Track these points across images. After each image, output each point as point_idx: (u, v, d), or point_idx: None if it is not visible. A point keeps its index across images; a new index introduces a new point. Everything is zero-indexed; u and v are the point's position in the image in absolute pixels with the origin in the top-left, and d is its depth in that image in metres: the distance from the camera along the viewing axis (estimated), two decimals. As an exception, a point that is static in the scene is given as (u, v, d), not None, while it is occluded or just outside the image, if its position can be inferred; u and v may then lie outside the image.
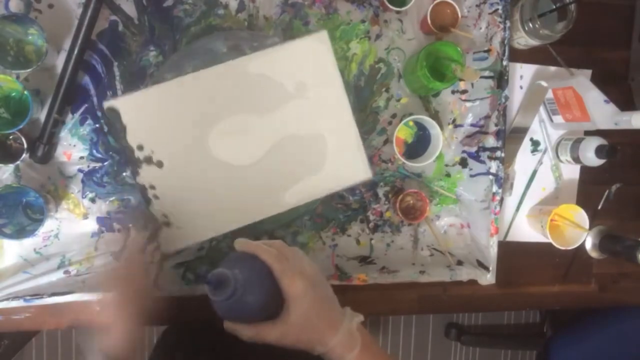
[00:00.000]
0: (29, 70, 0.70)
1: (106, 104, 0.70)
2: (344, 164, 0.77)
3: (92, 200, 0.77)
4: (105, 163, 0.77)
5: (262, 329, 0.55)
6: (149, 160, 0.72)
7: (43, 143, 0.73)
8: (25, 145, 0.71)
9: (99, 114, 0.76)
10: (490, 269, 0.82)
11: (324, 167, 0.76)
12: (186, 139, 0.73)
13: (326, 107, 0.76)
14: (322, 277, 0.58)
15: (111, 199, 0.77)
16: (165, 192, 0.73)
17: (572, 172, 0.91)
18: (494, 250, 0.82)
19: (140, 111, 0.71)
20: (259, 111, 0.74)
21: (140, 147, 0.72)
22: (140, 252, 0.67)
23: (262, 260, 0.55)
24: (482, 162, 0.83)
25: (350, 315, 0.57)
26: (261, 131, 0.75)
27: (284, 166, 0.75)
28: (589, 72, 0.91)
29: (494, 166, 0.82)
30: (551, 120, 0.90)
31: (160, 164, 0.72)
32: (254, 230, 0.77)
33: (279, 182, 0.76)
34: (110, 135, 0.76)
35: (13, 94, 0.73)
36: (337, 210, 0.83)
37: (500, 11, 0.81)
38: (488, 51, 0.82)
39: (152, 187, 0.73)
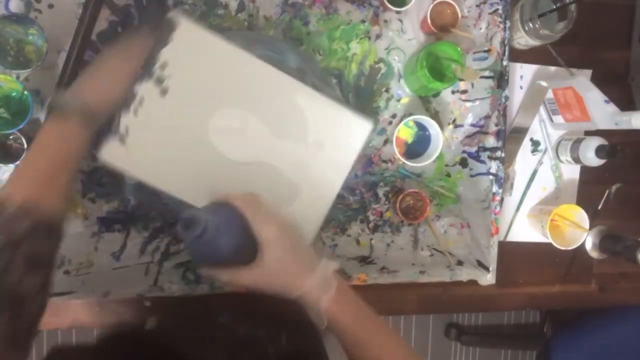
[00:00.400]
0: (29, 70, 0.70)
1: (172, 13, 0.69)
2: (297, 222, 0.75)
3: (92, 200, 0.77)
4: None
5: (237, 273, 0.57)
6: (159, 81, 0.70)
7: (43, 143, 0.72)
8: (25, 145, 0.71)
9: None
10: (490, 269, 0.82)
11: (289, 207, 0.75)
12: (199, 98, 0.72)
13: (322, 175, 0.75)
14: (295, 226, 0.60)
15: (111, 199, 0.77)
16: (147, 117, 0.71)
17: (572, 172, 0.91)
18: (494, 250, 0.82)
19: (190, 43, 0.70)
20: (270, 130, 0.73)
21: (163, 66, 0.70)
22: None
23: (234, 207, 0.57)
24: (482, 162, 0.83)
25: (325, 261, 0.59)
26: (258, 144, 0.74)
27: (251, 184, 0.74)
28: (589, 72, 0.90)
29: (494, 166, 0.82)
30: (551, 120, 0.90)
31: (164, 92, 0.70)
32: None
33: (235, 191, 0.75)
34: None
35: (13, 94, 0.73)
36: (337, 210, 0.83)
37: (500, 11, 0.81)
38: (488, 51, 0.82)
39: (140, 103, 0.70)
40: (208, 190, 0.72)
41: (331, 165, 0.76)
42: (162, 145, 0.72)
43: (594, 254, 0.92)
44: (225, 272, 0.57)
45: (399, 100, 0.83)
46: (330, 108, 0.74)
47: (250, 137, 0.74)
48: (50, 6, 0.74)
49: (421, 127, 0.84)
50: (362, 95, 0.82)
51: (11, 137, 0.74)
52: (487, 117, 0.83)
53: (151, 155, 0.71)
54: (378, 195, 0.84)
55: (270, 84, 0.73)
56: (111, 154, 0.70)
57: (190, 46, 0.70)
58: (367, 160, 0.83)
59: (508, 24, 0.81)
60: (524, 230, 0.90)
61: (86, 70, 0.64)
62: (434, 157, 0.79)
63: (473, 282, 0.83)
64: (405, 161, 0.80)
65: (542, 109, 0.90)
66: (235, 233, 0.56)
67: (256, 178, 0.74)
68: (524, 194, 0.90)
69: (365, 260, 0.83)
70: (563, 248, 0.86)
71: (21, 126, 0.68)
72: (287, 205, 0.75)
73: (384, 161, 0.84)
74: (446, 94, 0.84)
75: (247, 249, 0.57)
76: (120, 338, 0.54)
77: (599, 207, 0.93)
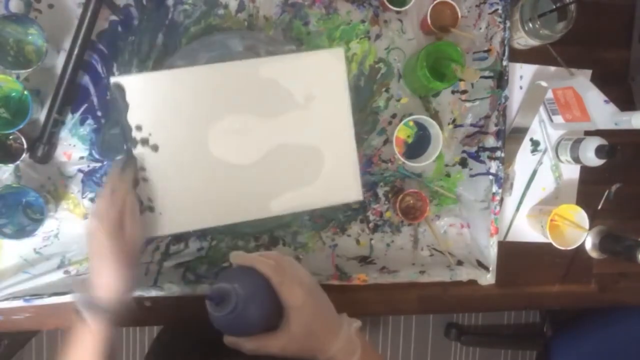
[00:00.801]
0: (29, 70, 0.70)
1: (113, 79, 0.70)
2: (337, 181, 0.77)
3: (92, 200, 0.77)
4: (104, 163, 0.77)
5: (264, 341, 0.55)
6: (145, 141, 0.72)
7: (43, 143, 0.73)
8: (25, 145, 0.71)
9: (99, 113, 0.76)
10: (490, 269, 0.82)
11: (316, 181, 0.76)
12: (186, 129, 0.73)
13: (330, 122, 0.76)
14: (318, 285, 0.58)
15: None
16: (155, 176, 0.72)
17: (572, 172, 0.91)
18: (494, 250, 0.82)
19: (145, 92, 0.71)
20: (263, 114, 0.74)
21: (139, 128, 0.71)
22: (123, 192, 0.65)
23: (260, 273, 0.55)
24: (482, 162, 0.83)
25: (348, 321, 0.58)
26: (261, 134, 0.75)
27: (277, 173, 0.75)
28: (589, 72, 0.90)
29: (494, 166, 0.82)
30: (551, 120, 0.90)
31: (155, 148, 0.72)
32: (256, 229, 0.78)
33: (269, 188, 0.75)
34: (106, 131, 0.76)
35: (13, 94, 0.73)
36: (337, 210, 0.83)
37: (500, 11, 0.81)
38: (488, 51, 0.82)
39: (142, 169, 0.72)
40: (244, 202, 0.75)
41: (332, 108, 0.76)
42: (182, 192, 0.73)
43: (594, 254, 0.92)
44: (252, 341, 0.55)
45: (399, 100, 0.83)
46: (295, 61, 0.74)
47: (250, 134, 0.74)
48: (50, 6, 0.74)
49: (421, 127, 0.84)
50: (362, 95, 0.82)
51: (11, 137, 0.74)
52: (487, 117, 0.83)
53: (179, 207, 0.73)
54: (378, 195, 0.84)
55: (231, 78, 0.73)
56: (153, 227, 0.73)
57: (148, 94, 0.71)
58: (367, 160, 0.83)
59: (508, 24, 0.81)
60: (524, 230, 0.90)
61: (92, 267, 0.63)
62: (433, 157, 0.79)
63: (473, 282, 0.83)
64: (405, 161, 0.80)
65: (542, 109, 0.90)
66: (263, 302, 0.55)
67: (278, 165, 0.75)
68: (524, 194, 0.90)
69: (365, 260, 0.83)
70: (563, 248, 0.86)
71: (21, 126, 0.68)
72: (320, 170, 0.76)
73: (384, 161, 0.84)
74: (446, 94, 0.84)
75: (274, 314, 0.56)
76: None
77: (599, 207, 0.93)
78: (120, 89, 0.70)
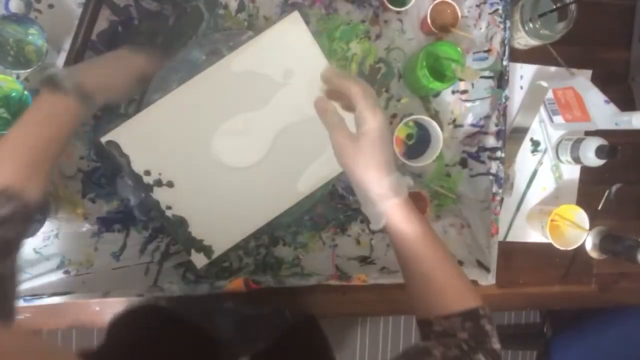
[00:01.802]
0: (29, 70, 0.70)
1: (103, 139, 0.70)
2: None
3: (92, 200, 0.77)
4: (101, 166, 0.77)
5: (341, 133, 0.57)
6: (159, 183, 0.73)
7: (43, 143, 0.72)
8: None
9: (99, 113, 0.76)
10: (490, 269, 0.82)
11: (327, 148, 0.76)
12: (190, 153, 0.73)
13: (316, 86, 0.75)
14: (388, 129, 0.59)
15: (111, 199, 0.77)
16: (183, 208, 0.73)
17: (572, 172, 0.91)
18: (494, 251, 0.82)
19: (137, 138, 0.71)
20: (254, 108, 0.74)
21: (148, 173, 0.72)
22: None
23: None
24: (482, 162, 0.83)
25: (400, 174, 0.59)
26: (260, 127, 0.74)
27: (290, 156, 0.75)
28: (589, 72, 0.90)
29: (494, 166, 0.82)
30: (551, 120, 0.90)
31: (170, 184, 0.73)
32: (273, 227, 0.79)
33: (289, 173, 0.76)
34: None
35: (13, 94, 0.73)
36: (337, 210, 0.83)
37: (500, 11, 0.81)
38: (488, 51, 0.82)
39: (169, 208, 0.73)
40: (261, 204, 0.76)
41: (313, 70, 0.72)
42: (213, 213, 0.74)
43: (594, 254, 0.92)
44: (336, 130, 0.58)
45: (398, 100, 0.83)
46: (258, 45, 0.73)
47: (250, 132, 0.74)
48: (50, 6, 0.74)
49: (421, 127, 0.84)
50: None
51: (11, 137, 0.74)
52: (487, 117, 0.83)
53: (215, 229, 0.75)
54: (378, 195, 0.84)
55: (208, 88, 0.72)
56: (199, 256, 0.75)
57: (140, 138, 0.71)
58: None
59: (508, 24, 0.80)
60: (524, 230, 0.90)
61: (90, 59, 0.65)
62: (433, 157, 0.79)
63: (473, 282, 0.83)
64: (405, 161, 0.80)
65: (542, 109, 0.90)
66: None
67: (285, 151, 0.75)
68: (524, 194, 0.90)
69: (365, 261, 0.83)
70: (563, 248, 0.86)
71: (21, 126, 0.68)
72: (325, 138, 0.75)
73: (384, 161, 0.84)
74: (446, 94, 0.84)
75: None
76: (135, 312, 0.55)
77: (599, 207, 0.92)
78: (114, 145, 0.70)
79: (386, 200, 0.56)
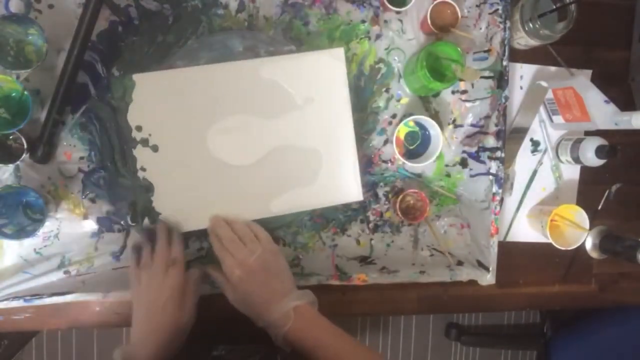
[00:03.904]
0: (29, 70, 0.70)
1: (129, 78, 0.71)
2: (336, 181, 0.78)
3: (92, 200, 0.77)
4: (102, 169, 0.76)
5: (224, 285, 0.69)
6: (145, 142, 0.72)
7: (43, 143, 0.73)
8: (25, 145, 0.71)
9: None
10: (490, 269, 0.82)
11: (315, 182, 0.77)
12: (186, 130, 0.73)
13: (329, 123, 0.77)
14: (270, 267, 0.68)
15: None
16: (155, 176, 0.73)
17: (572, 172, 0.91)
18: (494, 251, 0.82)
19: (146, 92, 0.71)
20: (263, 115, 0.74)
21: (139, 128, 0.72)
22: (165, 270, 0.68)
23: None
24: (482, 162, 0.83)
25: (295, 296, 0.67)
26: (261, 135, 0.75)
27: (276, 174, 0.76)
28: (589, 72, 0.90)
29: (494, 166, 0.82)
30: (551, 120, 0.90)
31: (155, 149, 0.73)
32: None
33: (268, 189, 0.76)
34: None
35: (13, 94, 0.73)
36: (337, 210, 0.83)
37: (500, 11, 0.81)
38: (488, 51, 0.82)
39: (143, 170, 0.73)
40: (244, 202, 0.75)
41: (332, 109, 0.76)
42: (181, 192, 0.74)
43: (594, 254, 0.92)
44: (222, 277, 0.69)
45: (399, 100, 0.83)
46: (294, 61, 0.74)
47: (249, 134, 0.75)
48: (50, 6, 0.74)
49: (421, 127, 0.84)
50: (362, 95, 0.82)
51: (11, 137, 0.74)
52: (487, 117, 0.83)
53: (178, 207, 0.74)
54: (378, 195, 0.84)
55: (231, 78, 0.73)
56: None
57: (148, 96, 0.72)
58: (367, 160, 0.83)
59: (508, 24, 0.81)
60: (524, 230, 0.90)
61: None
62: (434, 157, 0.79)
63: (473, 282, 0.83)
64: (405, 161, 0.80)
65: (542, 109, 0.90)
66: None
67: (277, 166, 0.76)
68: (524, 194, 0.90)
69: (365, 260, 0.83)
70: (563, 248, 0.86)
71: (21, 126, 0.68)
72: (319, 170, 0.77)
73: (384, 161, 0.84)
74: (446, 94, 0.84)
75: None
76: None
77: (599, 207, 0.92)
78: (131, 82, 0.71)
79: (278, 332, 0.65)
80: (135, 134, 0.72)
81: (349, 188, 0.78)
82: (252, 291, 0.66)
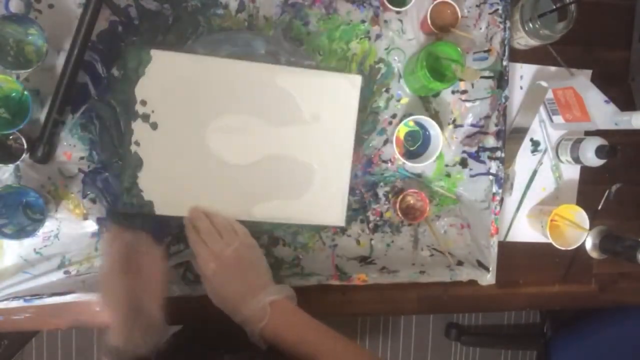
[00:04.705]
0: (29, 70, 0.70)
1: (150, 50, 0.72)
2: (322, 202, 0.78)
3: (92, 200, 0.77)
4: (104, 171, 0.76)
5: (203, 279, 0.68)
6: (146, 117, 0.72)
7: (43, 143, 0.73)
8: (25, 145, 0.71)
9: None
10: (490, 269, 0.82)
11: (302, 197, 0.78)
12: (189, 116, 0.73)
13: (330, 145, 0.77)
14: (246, 260, 0.67)
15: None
16: (147, 153, 0.73)
17: (572, 172, 0.91)
18: (494, 251, 0.82)
19: (160, 69, 0.72)
20: (268, 121, 0.75)
21: (143, 103, 0.72)
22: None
23: None
24: (482, 162, 0.83)
25: (271, 291, 0.65)
26: (261, 140, 0.75)
27: (267, 180, 0.76)
28: (589, 72, 0.90)
29: (494, 166, 0.82)
30: (551, 120, 0.90)
31: (154, 126, 0.73)
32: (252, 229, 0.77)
33: (255, 193, 0.77)
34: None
35: (13, 94, 0.73)
36: (337, 211, 0.83)
37: (500, 11, 0.81)
38: (488, 51, 0.82)
39: (137, 144, 0.73)
40: (228, 200, 0.75)
41: (336, 132, 0.76)
42: (168, 176, 0.74)
43: (594, 254, 0.92)
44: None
45: (399, 100, 0.83)
46: (312, 78, 0.75)
47: (249, 136, 0.75)
48: (50, 6, 0.74)
49: (421, 127, 0.84)
50: (362, 95, 0.82)
51: (11, 137, 0.74)
52: (487, 117, 0.83)
53: (161, 190, 0.74)
54: (378, 195, 0.84)
55: (246, 78, 0.73)
56: None
57: (162, 74, 0.72)
58: (367, 160, 0.83)
59: (508, 24, 0.81)
60: (524, 230, 0.90)
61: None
62: (434, 158, 0.79)
63: (473, 282, 0.83)
64: (405, 161, 0.80)
65: (542, 109, 0.90)
66: None
67: (269, 172, 0.76)
68: (524, 194, 0.90)
69: (365, 260, 0.83)
70: (563, 248, 0.86)
71: (21, 126, 0.68)
72: (309, 187, 0.77)
73: (384, 161, 0.84)
74: (446, 94, 0.84)
75: None
76: None
77: (599, 207, 0.92)
78: (148, 56, 0.71)
79: (254, 328, 0.63)
80: (139, 107, 0.72)
81: (333, 211, 0.79)
82: (228, 285, 0.65)
